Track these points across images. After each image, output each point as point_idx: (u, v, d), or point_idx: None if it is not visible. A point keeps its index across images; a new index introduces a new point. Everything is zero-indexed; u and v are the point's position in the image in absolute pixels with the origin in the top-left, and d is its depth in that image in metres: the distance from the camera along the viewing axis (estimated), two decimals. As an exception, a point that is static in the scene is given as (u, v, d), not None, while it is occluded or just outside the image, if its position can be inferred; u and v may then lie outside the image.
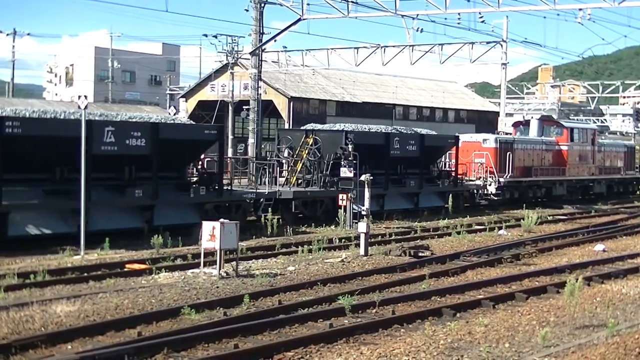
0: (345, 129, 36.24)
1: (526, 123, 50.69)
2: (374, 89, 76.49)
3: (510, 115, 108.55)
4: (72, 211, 24.41)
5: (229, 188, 31.02)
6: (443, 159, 43.86)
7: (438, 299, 18.13)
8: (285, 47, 53.78)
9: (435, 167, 41.97)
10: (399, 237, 29.45)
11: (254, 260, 23.23)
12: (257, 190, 31.80)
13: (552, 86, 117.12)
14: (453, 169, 42.17)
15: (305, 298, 17.56)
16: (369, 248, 24.75)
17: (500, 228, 32.62)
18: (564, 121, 55.64)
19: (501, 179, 43.45)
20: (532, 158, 46.84)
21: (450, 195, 37.38)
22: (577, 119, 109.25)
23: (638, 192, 59.21)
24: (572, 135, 49.78)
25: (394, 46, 49.59)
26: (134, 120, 27.81)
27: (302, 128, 38.00)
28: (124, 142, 26.21)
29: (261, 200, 31.63)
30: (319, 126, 38.25)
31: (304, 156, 35.10)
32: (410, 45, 47.45)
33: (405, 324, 15.52)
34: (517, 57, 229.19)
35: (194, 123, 32.33)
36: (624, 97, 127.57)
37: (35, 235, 23.97)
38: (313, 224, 32.01)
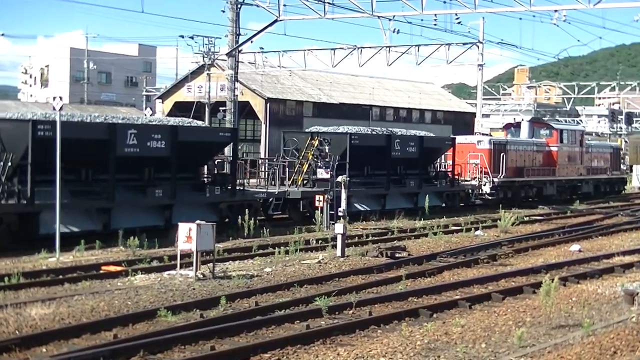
0: (349, 131, 37.44)
1: (517, 125, 52.03)
2: (350, 90, 76.50)
3: (487, 116, 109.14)
4: (98, 210, 26.23)
5: (242, 188, 32.01)
6: (438, 160, 44.76)
7: (415, 300, 18.16)
8: (262, 48, 53.74)
9: (432, 168, 43.10)
10: (375, 238, 29.47)
11: (230, 261, 23.19)
12: (268, 190, 33.09)
13: (528, 87, 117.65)
14: (448, 170, 43.30)
15: (282, 299, 17.54)
16: (346, 249, 24.75)
17: (476, 229, 32.70)
18: (554, 123, 57.43)
19: (495, 179, 44.71)
20: (524, 159, 48.14)
21: (427, 196, 37.52)
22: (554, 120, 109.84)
23: (623, 192, 60.66)
24: (561, 137, 51.22)
25: (370, 47, 49.65)
26: (154, 123, 29.29)
27: (307, 130, 38.98)
28: (145, 144, 27.42)
29: (271, 199, 32.75)
30: (323, 128, 39.00)
31: (310, 157, 36.21)
32: (386, 47, 47.51)
33: (382, 324, 15.54)
34: (493, 58, 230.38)
35: (208, 126, 32.88)
36: (599, 98, 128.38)
37: (64, 233, 24.42)
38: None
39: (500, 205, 40.27)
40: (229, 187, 30.74)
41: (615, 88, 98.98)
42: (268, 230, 28.75)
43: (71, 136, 24.79)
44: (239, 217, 29.01)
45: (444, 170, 44.01)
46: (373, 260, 23.85)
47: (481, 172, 44.62)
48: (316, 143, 36.40)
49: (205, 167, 32.69)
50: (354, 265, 22.96)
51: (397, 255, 24.50)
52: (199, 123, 32.89)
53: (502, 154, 45.61)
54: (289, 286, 19.19)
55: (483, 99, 63.10)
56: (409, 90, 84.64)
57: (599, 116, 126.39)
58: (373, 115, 74.69)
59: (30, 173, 24.28)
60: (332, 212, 30.42)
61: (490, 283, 20.59)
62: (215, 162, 33.00)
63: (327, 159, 33.80)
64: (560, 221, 38.28)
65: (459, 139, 45.62)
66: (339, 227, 24.44)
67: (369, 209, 36.74)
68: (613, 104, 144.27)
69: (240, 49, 42.73)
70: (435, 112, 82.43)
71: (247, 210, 29.99)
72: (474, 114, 62.85)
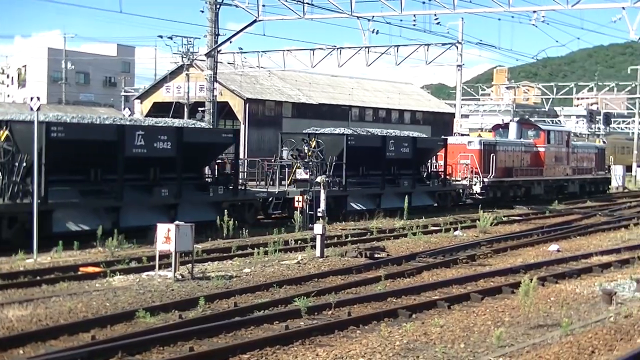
0: (345, 132, 38.73)
1: (505, 126, 53.46)
2: (330, 90, 76.50)
3: (466, 116, 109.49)
4: (107, 209, 27.24)
5: (243, 188, 33.24)
6: (430, 161, 45.42)
7: (394, 300, 18.18)
8: (241, 49, 53.81)
9: (425, 168, 43.92)
10: (355, 238, 29.49)
11: (209, 262, 23.14)
12: (268, 190, 34.18)
13: (507, 88, 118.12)
14: (440, 170, 44.25)
15: (261, 300, 17.52)
16: (325, 249, 24.75)
17: (455, 229, 32.78)
18: (542, 124, 58.61)
19: (485, 179, 45.86)
20: (513, 159, 49.25)
21: (407, 196, 37.58)
22: (533, 121, 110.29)
23: (607, 191, 61.91)
24: (548, 138, 52.48)
25: (349, 48, 49.73)
26: (160, 125, 30.26)
27: (304, 131, 39.57)
28: (152, 145, 28.43)
29: (271, 199, 33.76)
30: (320, 130, 40.03)
31: (308, 158, 36.70)
32: (366, 47, 47.61)
33: (361, 325, 15.55)
34: (472, 58, 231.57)
35: (212, 127, 34.50)
36: (578, 98, 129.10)
37: (75, 231, 25.60)
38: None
39: (480, 206, 40.37)
40: (231, 187, 31.74)
41: (594, 89, 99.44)
42: (247, 230, 28.73)
43: (81, 137, 26.17)
44: (219, 217, 29.07)
45: (435, 170, 44.71)
46: (352, 260, 23.86)
47: (472, 172, 45.61)
48: (313, 144, 37.00)
49: (207, 167, 33.49)
50: (333, 265, 22.96)
51: (376, 255, 24.52)
52: (203, 124, 33.96)
53: (492, 155, 46.74)
54: (268, 287, 19.17)
55: (462, 99, 63.20)
56: (388, 91, 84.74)
57: (578, 117, 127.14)
58: (352, 116, 74.70)
59: (44, 173, 24.87)
60: (312, 213, 30.47)
61: (469, 283, 20.65)
62: (217, 163, 33.75)
63: (306, 160, 33.80)
64: (538, 221, 38.44)
65: (450, 139, 46.52)
66: (318, 228, 24.43)
67: (365, 208, 37.59)
68: (591, 104, 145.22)
69: (219, 49, 42.65)
70: (414, 113, 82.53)
71: (247, 209, 31.69)
72: (453, 115, 62.90)
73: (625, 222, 37.31)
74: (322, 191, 26.34)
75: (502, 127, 53.50)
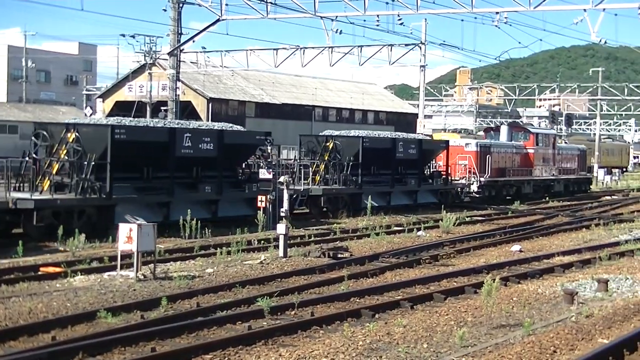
0: (361, 135, 41.37)
1: (496, 129, 57.38)
2: (293, 90, 76.54)
3: (429, 117, 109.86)
4: (159, 204, 30.14)
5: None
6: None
7: (357, 300, 18.19)
8: (204, 48, 53.60)
9: (427, 168, 46.61)
10: (318, 238, 29.48)
11: (172, 262, 23.03)
12: (295, 187, 35.50)
13: (470, 88, 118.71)
14: (439, 170, 46.92)
15: (223, 300, 17.47)
16: (288, 249, 24.72)
17: (419, 229, 32.87)
18: (530, 127, 61.91)
19: (482, 179, 48.79)
20: (505, 160, 52.54)
21: (370, 197, 37.89)
22: (495, 121, 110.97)
23: (589, 191, 65.34)
24: (537, 140, 55.95)
25: (313, 47, 49.75)
26: (203, 127, 33.28)
27: (322, 134, 42.17)
28: (197, 146, 31.42)
29: (296, 196, 35.70)
30: (336, 132, 42.64)
31: (326, 158, 39.64)
32: (329, 47, 47.64)
33: (324, 325, 15.54)
34: (435, 59, 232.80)
35: (245, 129, 37.47)
36: (540, 99, 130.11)
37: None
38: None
39: (442, 207, 40.57)
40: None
41: (556, 90, 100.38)
42: (210, 230, 28.64)
43: (139, 139, 29.33)
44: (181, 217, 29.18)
45: (437, 170, 47.20)
46: (315, 260, 23.85)
47: (469, 172, 48.42)
48: (331, 145, 39.80)
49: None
50: (296, 265, 22.95)
51: (339, 255, 24.52)
52: (239, 127, 36.48)
53: (487, 156, 49.74)
54: (230, 287, 19.11)
55: (425, 99, 63.51)
56: (351, 91, 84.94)
57: (540, 117, 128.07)
58: (316, 116, 74.81)
59: (109, 171, 27.98)
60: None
61: (432, 283, 20.71)
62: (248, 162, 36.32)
63: (269, 160, 33.84)
64: (501, 222, 38.65)
65: (450, 141, 48.58)
66: (281, 228, 24.39)
67: (377, 204, 39.23)
68: (553, 105, 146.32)
69: (182, 48, 42.52)
70: (377, 113, 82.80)
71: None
72: (416, 115, 63.23)
73: (587, 223, 37.62)
74: (285, 191, 26.30)
75: (494, 130, 57.18)
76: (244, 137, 34.58)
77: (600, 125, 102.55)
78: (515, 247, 28.55)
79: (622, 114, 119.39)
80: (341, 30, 43.28)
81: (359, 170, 39.56)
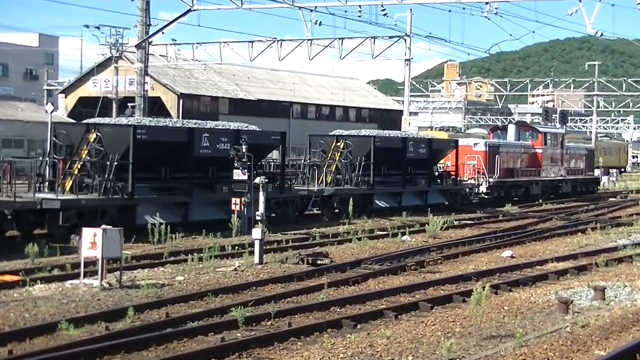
0: (372, 134, 43.37)
1: (503, 128, 59.28)
2: (269, 85, 76.51)
3: (415, 114, 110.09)
4: (177, 204, 31.90)
5: (289, 186, 37.53)
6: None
7: (337, 310, 18.18)
8: (175, 40, 53.56)
9: (436, 168, 48.62)
10: (296, 244, 29.42)
11: (139, 269, 22.94)
12: (309, 188, 38.48)
13: (458, 83, 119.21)
14: (447, 170, 48.79)
15: (195, 310, 17.42)
16: (264, 256, 24.68)
17: (403, 234, 32.88)
18: (538, 126, 63.64)
19: (491, 180, 50.55)
20: (513, 160, 54.33)
21: (351, 199, 38.17)
22: (485, 119, 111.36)
23: (597, 192, 67.33)
24: (545, 139, 57.75)
25: (291, 40, 49.73)
26: (220, 127, 35.10)
27: (331, 134, 43.78)
28: (215, 146, 33.02)
29: (312, 196, 38.09)
30: (346, 132, 44.46)
31: (337, 158, 41.30)
32: (308, 40, 47.64)
33: (302, 336, 15.52)
34: (421, 52, 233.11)
35: (260, 129, 38.29)
36: (533, 95, 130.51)
37: (153, 224, 28.94)
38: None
39: (429, 210, 40.66)
40: (277, 185, 36.20)
41: (549, 85, 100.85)
42: (180, 235, 28.59)
43: (159, 139, 31.12)
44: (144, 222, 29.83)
45: (445, 170, 49.09)
46: (293, 267, 23.83)
47: (478, 172, 50.17)
48: (342, 145, 41.40)
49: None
50: (272, 272, 22.92)
51: (318, 262, 24.50)
52: (255, 127, 37.84)
53: (496, 156, 51.49)
54: (202, 296, 19.06)
55: (411, 95, 63.62)
56: (332, 86, 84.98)
57: (532, 114, 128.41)
58: (294, 113, 74.83)
59: (131, 171, 29.75)
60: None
61: (417, 291, 20.72)
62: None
63: (244, 159, 33.77)
64: (491, 225, 38.73)
65: (459, 141, 50.34)
66: (256, 232, 24.35)
67: (388, 205, 42.53)
68: (547, 101, 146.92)
69: (150, 40, 42.41)
70: (360, 110, 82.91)
71: (289, 206, 36.85)
72: (400, 112, 63.37)
73: (582, 227, 37.74)
74: (260, 193, 26.25)
75: (500, 129, 58.82)
76: (259, 137, 36.15)
77: (597, 122, 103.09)
78: (507, 252, 28.61)
79: (620, 111, 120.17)
80: (321, 22, 43.30)
81: (371, 170, 41.38)
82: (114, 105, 60.36)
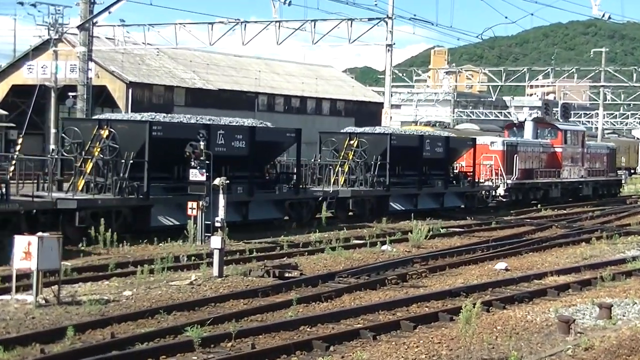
0: (388, 132, 45.51)
1: (520, 125, 60.85)
2: (232, 73, 76.49)
3: (397, 107, 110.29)
4: None
5: (304, 187, 39.85)
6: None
7: (308, 330, 18.18)
8: (123, 21, 53.32)
9: (452, 169, 50.78)
10: (261, 254, 29.44)
11: (81, 283, 22.87)
12: (324, 189, 40.63)
13: (446, 72, 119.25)
14: (462, 171, 51.06)
15: (144, 330, 17.38)
16: (225, 267, 24.65)
17: (383, 243, 32.94)
18: (558, 123, 65.24)
19: (509, 181, 52.83)
20: (532, 160, 56.67)
21: (325, 203, 39.45)
22: (477, 112, 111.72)
23: (619, 195, 69.91)
24: (565, 138, 60.30)
25: (256, 22, 49.82)
26: (235, 124, 36.79)
27: (344, 131, 46.43)
28: (230, 144, 35.04)
29: (327, 198, 40.10)
30: (359, 129, 46.78)
31: (350, 158, 43.42)
32: (276, 22, 47.70)
33: (267, 359, 15.50)
34: (405, 37, 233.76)
35: (274, 127, 40.77)
36: (531, 86, 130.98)
37: (168, 226, 32.22)
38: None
39: (412, 215, 40.77)
40: (292, 186, 38.64)
41: (550, 75, 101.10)
42: (129, 244, 28.51)
43: (175, 136, 32.37)
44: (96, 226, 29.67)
45: (462, 171, 51.33)
46: (257, 281, 23.82)
47: (496, 173, 52.42)
48: (355, 143, 43.55)
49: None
50: (234, 287, 22.90)
51: (286, 275, 24.51)
52: (268, 124, 39.99)
53: (514, 156, 53.76)
54: (153, 313, 19.01)
55: (393, 86, 63.78)
56: (303, 75, 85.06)
57: (531, 108, 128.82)
58: (259, 105, 74.82)
59: (146, 170, 31.71)
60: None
61: (399, 308, 20.74)
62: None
63: (202, 158, 33.74)
64: (483, 234, 38.86)
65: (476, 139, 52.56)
66: (215, 241, 24.30)
67: (403, 208, 44.73)
68: (547, 93, 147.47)
69: (95, 20, 42.27)
70: (334, 102, 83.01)
71: (304, 208, 39.15)
72: (381, 104, 63.31)
73: (586, 236, 37.91)
74: (221, 196, 26.21)
75: (517, 127, 60.81)
76: (274, 134, 38.74)
77: (604, 117, 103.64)
78: (500, 264, 28.70)
79: (629, 104, 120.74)
80: (290, 1, 43.30)
81: (387, 170, 43.58)
82: (53, 94, 60.08)
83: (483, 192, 52.02)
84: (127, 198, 31.40)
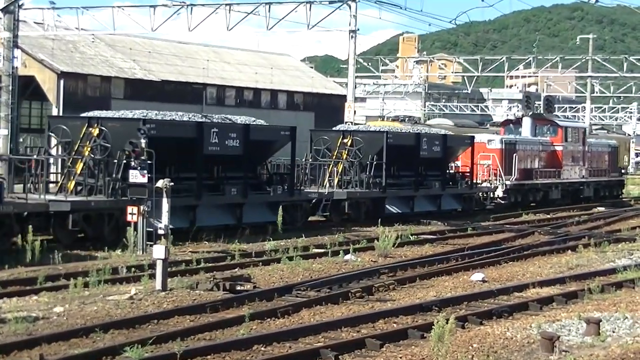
0: (384, 129, 47.79)
1: (517, 122, 63.55)
2: (177, 63, 76.26)
3: (362, 100, 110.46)
4: (184, 208, 35.04)
5: (299, 188, 41.62)
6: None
7: (262, 349, 18.17)
8: (53, 3, 53.12)
9: (449, 169, 52.89)
10: (210, 264, 29.39)
11: (5, 298, 22.74)
12: (319, 191, 42.36)
13: (416, 62, 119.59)
14: (458, 171, 53.19)
15: (78, 350, 17.30)
16: (169, 280, 24.61)
17: (346, 252, 32.93)
18: (558, 119, 67.06)
19: (507, 182, 54.59)
20: (531, 160, 58.62)
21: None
22: (451, 106, 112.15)
23: (621, 196, 71.83)
24: (566, 135, 62.17)
25: (204, 5, 49.75)
26: (228, 122, 38.48)
27: (336, 129, 48.27)
28: (224, 143, 36.75)
29: (323, 200, 41.90)
30: (353, 127, 48.94)
31: (344, 157, 45.24)
32: (226, 5, 47.66)
33: (216, 383, 15.51)
34: (371, 22, 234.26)
35: (268, 124, 42.85)
36: (511, 77, 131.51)
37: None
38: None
39: (380, 221, 40.82)
40: (285, 188, 40.40)
41: (532, 64, 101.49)
42: (60, 254, 28.37)
43: (168, 135, 34.29)
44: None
45: (459, 171, 53.42)
46: (206, 294, 23.80)
47: (493, 174, 54.11)
48: (349, 142, 45.45)
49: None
50: (179, 301, 22.86)
51: (238, 288, 24.49)
52: (262, 122, 41.86)
53: (513, 155, 55.71)
54: (88, 332, 18.93)
55: (357, 76, 63.76)
56: (257, 65, 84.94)
57: (511, 101, 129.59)
58: (208, 98, 74.64)
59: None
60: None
61: (364, 325, 20.76)
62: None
63: (143, 157, 33.65)
64: (458, 241, 38.96)
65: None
66: (158, 251, 24.22)
67: (400, 211, 46.76)
68: (528, 85, 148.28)
69: (21, 2, 42.04)
70: (292, 94, 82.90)
71: (298, 211, 40.83)
72: (344, 97, 63.39)
73: (572, 243, 38.08)
74: (164, 200, 26.13)
75: (514, 123, 63.42)
76: (268, 133, 40.76)
77: (592, 111, 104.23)
78: (477, 275, 28.80)
79: (620, 97, 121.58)
80: (242, -19, 43.20)
81: (383, 171, 45.20)
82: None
83: (482, 194, 53.93)
84: (122, 200, 32.52)
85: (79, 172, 33.59)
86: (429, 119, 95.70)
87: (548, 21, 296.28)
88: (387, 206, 46.35)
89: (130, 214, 31.04)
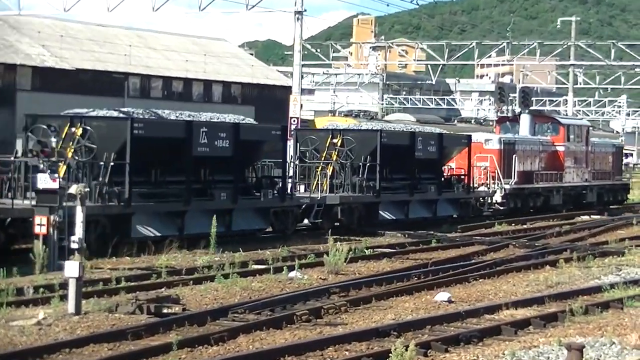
0: (377, 128, 50.43)
1: (514, 119, 65.83)
2: (95, 48, 76.15)
3: (311, 92, 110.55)
4: (172, 214, 37.23)
5: (291, 193, 43.43)
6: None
7: (192, 382, 18.16)
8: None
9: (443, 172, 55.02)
10: (132, 283, 29.27)
11: None
12: (311, 196, 44.04)
13: (373, 48, 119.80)
14: (454, 174, 55.44)
15: (-25, 385, 17.21)
16: (84, 302, 24.50)
17: (291, 268, 32.92)
18: (560, 117, 70.00)
19: (507, 186, 56.68)
20: (531, 161, 60.91)
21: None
22: (413, 99, 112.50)
23: (626, 201, 73.78)
24: (568, 134, 64.81)
25: (125, -19, 49.56)
26: (216, 120, 40.46)
27: (325, 127, 52.05)
28: (213, 144, 38.42)
29: (315, 205, 43.90)
30: (343, 126, 51.99)
31: (334, 158, 47.26)
32: (151, -20, 47.55)
33: (138, 422, 15.46)
34: (320, 3, 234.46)
35: (258, 124, 45.52)
36: (482, 65, 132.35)
37: (149, 237, 35.44)
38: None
39: (331, 231, 40.86)
40: (276, 192, 42.35)
41: (506, 51, 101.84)
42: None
43: (157, 135, 35.91)
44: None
45: (455, 174, 55.58)
46: (127, 318, 23.74)
47: (491, 177, 56.04)
48: (339, 142, 47.38)
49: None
50: (95, 327, 22.78)
51: (165, 310, 24.44)
52: (252, 120, 44.38)
53: (513, 156, 58.02)
54: (-14, 364, 18.86)
55: (304, 65, 63.83)
56: (187, 51, 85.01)
57: (481, 94, 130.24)
58: (130, 89, 74.57)
59: (128, 173, 34.89)
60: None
61: (311, 353, 20.78)
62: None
63: (53, 158, 33.53)
64: (421, 256, 39.03)
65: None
66: (71, 268, 24.09)
67: (394, 217, 49.18)
68: (502, 75, 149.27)
69: None
70: (228, 85, 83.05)
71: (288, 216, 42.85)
72: (289, 89, 63.47)
73: (552, 257, 38.24)
74: (79, 209, 26.00)
75: (510, 120, 65.58)
76: (260, 132, 43.02)
77: (574, 105, 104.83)
78: (442, 295, 28.87)
79: (606, 89, 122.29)
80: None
81: (377, 173, 47.24)
82: None
83: (480, 199, 55.94)
84: (109, 205, 34.22)
85: (62, 175, 33.44)
86: (387, 114, 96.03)
87: (525, 1, 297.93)
88: (380, 212, 48.15)
89: (38, 224, 30.83)
